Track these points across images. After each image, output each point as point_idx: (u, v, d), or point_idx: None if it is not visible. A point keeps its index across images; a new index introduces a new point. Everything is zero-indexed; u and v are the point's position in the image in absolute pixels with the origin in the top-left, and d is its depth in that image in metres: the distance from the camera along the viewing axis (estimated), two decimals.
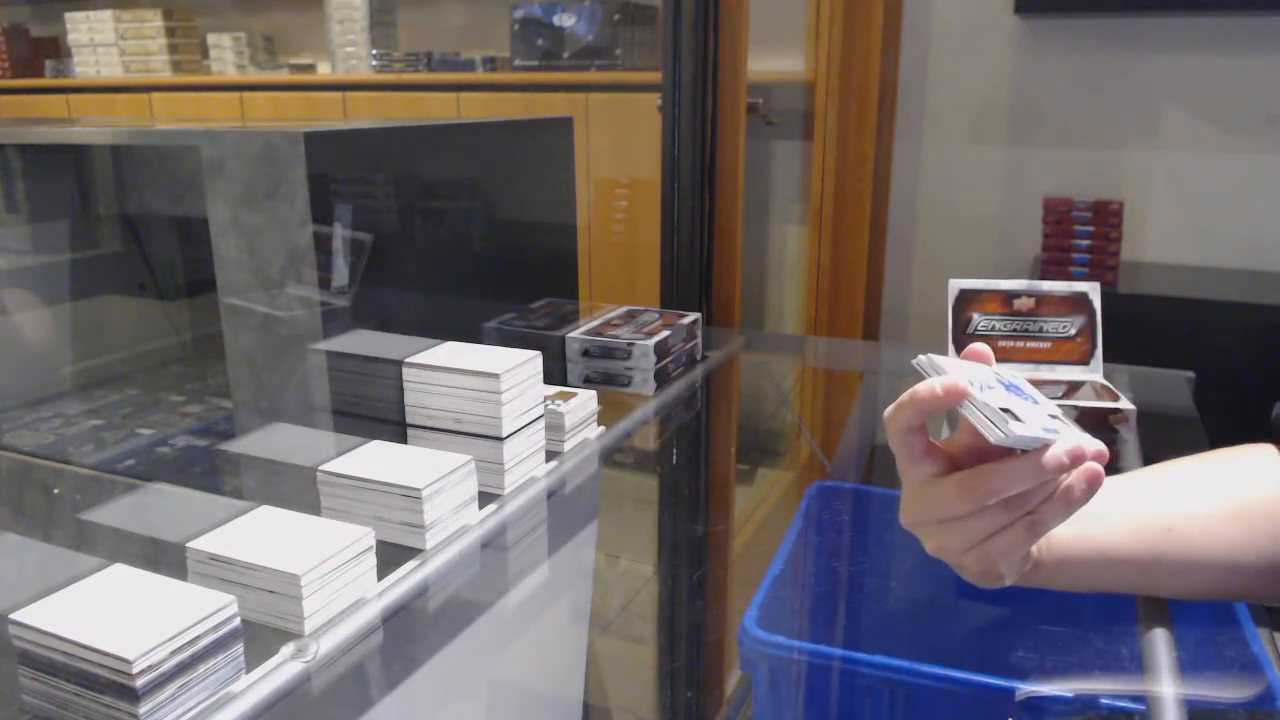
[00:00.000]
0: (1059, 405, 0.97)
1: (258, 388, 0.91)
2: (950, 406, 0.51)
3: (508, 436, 0.82)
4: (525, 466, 0.85)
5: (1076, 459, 0.49)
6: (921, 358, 0.54)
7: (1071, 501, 0.51)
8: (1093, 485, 0.50)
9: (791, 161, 2.55)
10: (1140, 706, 0.59)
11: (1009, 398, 0.52)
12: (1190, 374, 1.20)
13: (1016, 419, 0.49)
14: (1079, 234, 1.98)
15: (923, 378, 0.52)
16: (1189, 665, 0.62)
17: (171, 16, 3.47)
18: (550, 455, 0.90)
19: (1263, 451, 0.64)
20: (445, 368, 0.82)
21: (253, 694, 0.56)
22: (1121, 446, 0.94)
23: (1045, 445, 0.49)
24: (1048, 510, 0.51)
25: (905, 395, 0.52)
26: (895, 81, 2.30)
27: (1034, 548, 0.58)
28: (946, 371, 0.52)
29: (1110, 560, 0.59)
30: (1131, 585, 0.62)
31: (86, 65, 3.61)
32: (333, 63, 3.18)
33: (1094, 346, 1.05)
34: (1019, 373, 0.56)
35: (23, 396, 1.14)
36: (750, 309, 2.63)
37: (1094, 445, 0.51)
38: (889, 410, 0.53)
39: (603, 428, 0.98)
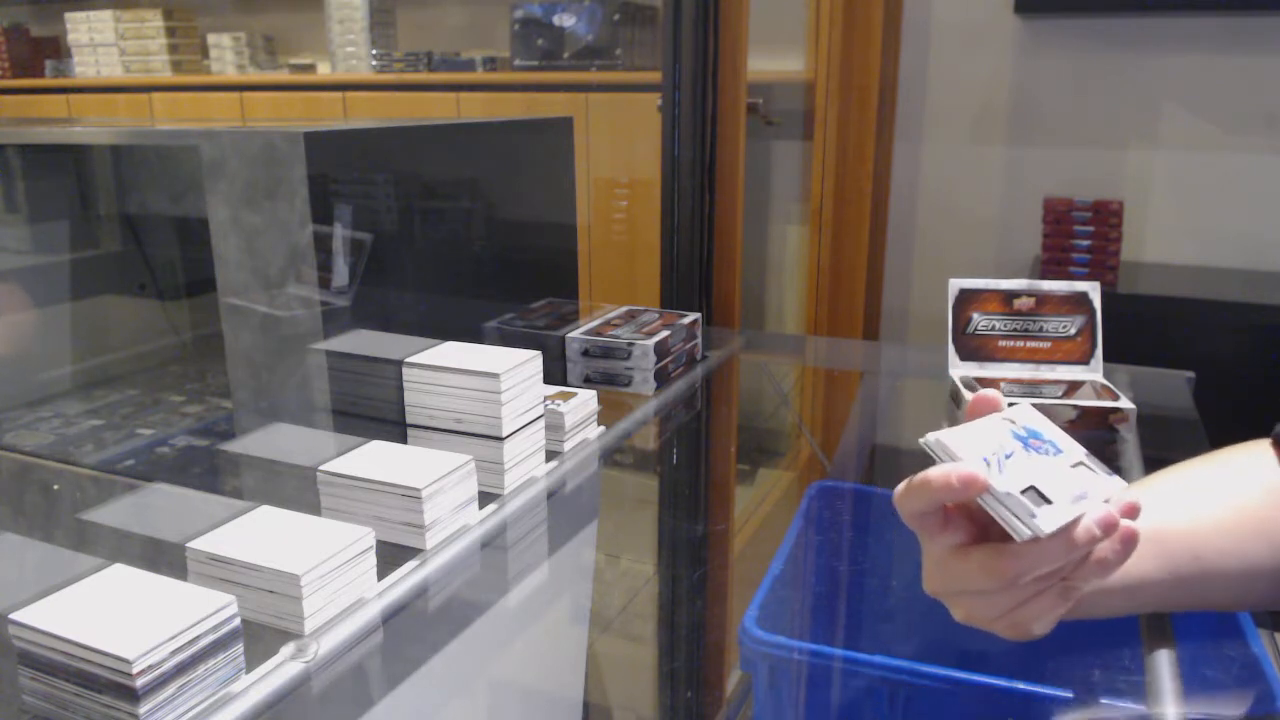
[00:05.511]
0: (1058, 405, 0.97)
1: (258, 388, 0.91)
2: (966, 498, 0.48)
3: (508, 436, 0.82)
4: (525, 466, 0.85)
5: (1109, 529, 0.47)
6: (930, 437, 0.50)
7: (1107, 566, 0.48)
8: (1128, 547, 0.48)
9: (791, 161, 2.55)
10: (1141, 707, 0.59)
11: (1030, 463, 0.49)
12: (1190, 374, 1.20)
13: (1043, 499, 0.47)
14: (1079, 234, 1.98)
15: (931, 459, 0.49)
16: (1189, 665, 0.62)
17: (171, 16, 3.47)
18: (550, 455, 0.90)
19: (1266, 453, 0.64)
20: (445, 368, 0.82)
21: (253, 694, 0.56)
22: (1121, 446, 0.94)
23: (1076, 520, 0.47)
24: (1080, 576, 0.49)
25: (917, 480, 0.48)
26: (895, 81, 2.30)
27: None
28: (958, 455, 0.48)
29: (1138, 588, 0.58)
30: (1155, 607, 0.61)
31: (86, 65, 3.61)
32: (333, 63, 3.18)
33: (1094, 346, 1.05)
34: (1030, 407, 0.53)
35: (23, 396, 1.14)
36: (750, 309, 2.63)
37: (1125, 499, 0.48)
38: (899, 490, 0.50)
39: (603, 428, 0.98)
